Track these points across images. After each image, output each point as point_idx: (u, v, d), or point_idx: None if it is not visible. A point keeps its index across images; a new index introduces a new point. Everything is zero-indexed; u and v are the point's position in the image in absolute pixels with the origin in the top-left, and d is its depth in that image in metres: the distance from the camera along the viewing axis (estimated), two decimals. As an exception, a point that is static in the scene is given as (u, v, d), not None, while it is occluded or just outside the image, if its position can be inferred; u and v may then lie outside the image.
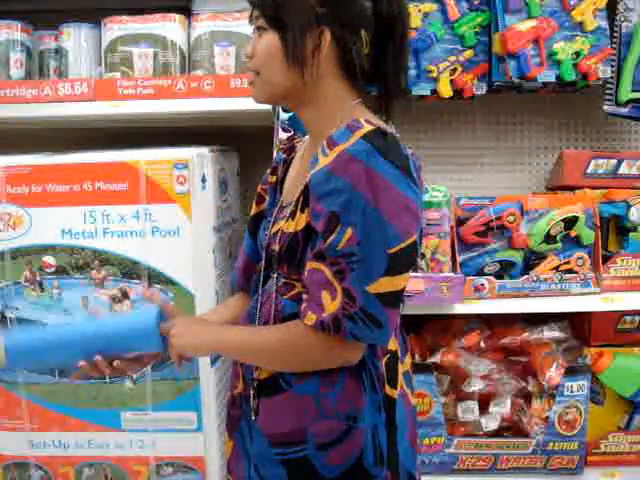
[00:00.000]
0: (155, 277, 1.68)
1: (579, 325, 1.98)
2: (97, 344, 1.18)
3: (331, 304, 1.00)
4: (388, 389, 1.12)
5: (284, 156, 1.30)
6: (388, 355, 1.13)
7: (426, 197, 1.82)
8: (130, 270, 1.68)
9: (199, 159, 1.68)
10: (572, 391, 1.86)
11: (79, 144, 1.99)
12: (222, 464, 1.79)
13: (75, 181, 1.66)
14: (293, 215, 1.09)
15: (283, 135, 1.79)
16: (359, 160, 0.99)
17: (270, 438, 1.12)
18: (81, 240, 1.68)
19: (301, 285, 1.08)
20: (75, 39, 1.92)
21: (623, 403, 1.95)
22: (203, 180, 1.69)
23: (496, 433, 1.89)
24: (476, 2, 1.96)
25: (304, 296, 1.05)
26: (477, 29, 1.96)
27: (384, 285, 0.99)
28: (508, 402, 1.90)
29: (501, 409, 1.90)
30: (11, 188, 1.68)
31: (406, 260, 1.01)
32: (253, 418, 1.15)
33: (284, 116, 1.80)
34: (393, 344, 1.14)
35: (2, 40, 1.93)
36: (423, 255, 1.81)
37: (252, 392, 1.15)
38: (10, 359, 1.17)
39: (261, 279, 1.20)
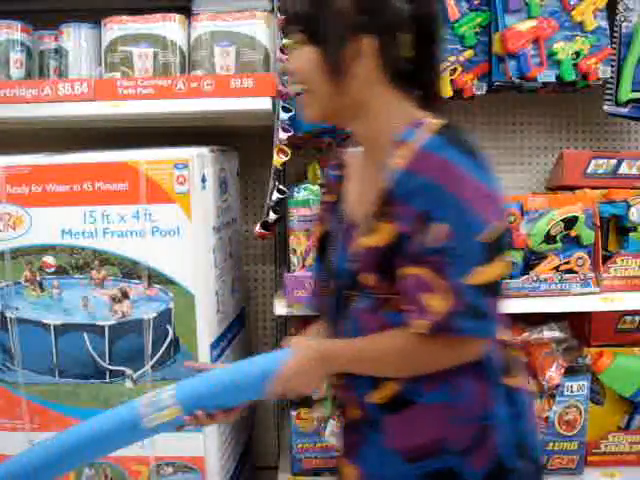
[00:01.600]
0: (155, 277, 1.68)
1: (579, 325, 1.98)
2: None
3: (438, 305, 0.98)
4: (508, 380, 1.09)
5: (337, 173, 1.25)
6: (501, 346, 1.11)
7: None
8: (130, 270, 1.68)
9: (199, 159, 1.68)
10: (572, 391, 1.86)
11: (79, 144, 1.99)
12: (222, 464, 1.79)
13: (75, 181, 1.66)
14: (374, 228, 1.06)
15: (283, 135, 1.79)
16: (434, 155, 0.98)
17: (404, 454, 1.08)
18: (81, 240, 1.68)
19: (396, 297, 1.04)
20: (75, 39, 1.92)
21: (623, 403, 1.95)
22: (203, 180, 1.69)
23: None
24: (476, 2, 1.96)
25: (404, 306, 1.02)
26: (477, 29, 1.96)
27: (481, 275, 0.97)
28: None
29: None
30: (11, 188, 1.68)
31: (498, 247, 0.98)
32: (381, 438, 1.10)
33: (284, 116, 1.80)
34: (504, 333, 1.11)
35: (2, 40, 1.93)
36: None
37: (372, 414, 1.11)
38: (187, 408, 1.16)
39: (339, 302, 1.15)
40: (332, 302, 1.18)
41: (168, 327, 1.69)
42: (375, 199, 1.06)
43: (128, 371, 1.71)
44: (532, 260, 1.89)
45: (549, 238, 1.87)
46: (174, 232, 1.66)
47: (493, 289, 0.99)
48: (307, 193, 1.82)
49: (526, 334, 1.90)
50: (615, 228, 1.95)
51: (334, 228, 1.22)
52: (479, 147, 1.02)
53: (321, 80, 1.07)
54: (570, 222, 1.86)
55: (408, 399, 1.07)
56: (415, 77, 1.11)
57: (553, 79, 1.92)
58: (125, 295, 1.69)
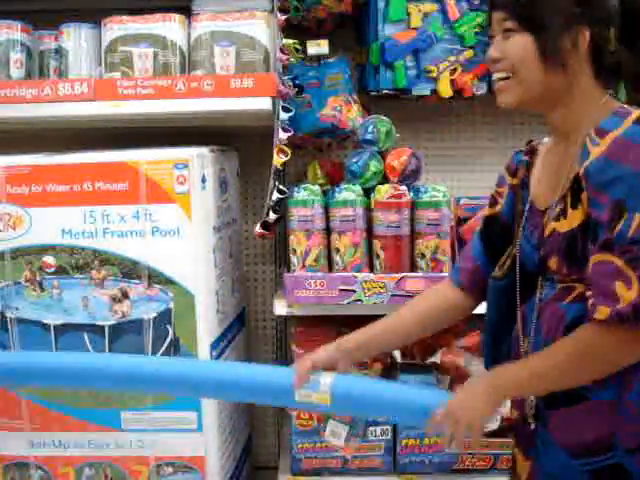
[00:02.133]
0: (155, 277, 1.68)
1: (579, 325, 1.97)
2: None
3: (627, 294, 0.96)
4: None
5: (525, 158, 1.26)
6: None
7: (426, 197, 1.82)
8: (130, 270, 1.68)
9: (199, 159, 1.68)
10: (572, 391, 1.86)
11: (79, 144, 1.99)
12: (222, 464, 1.79)
13: (75, 181, 1.66)
14: (564, 213, 1.07)
15: (283, 135, 1.79)
16: (635, 144, 0.98)
17: (571, 449, 1.08)
18: (81, 240, 1.68)
19: (583, 284, 1.05)
20: (75, 39, 1.92)
21: (623, 403, 1.95)
22: (203, 180, 1.69)
23: (496, 433, 1.89)
24: (476, 2, 1.96)
25: (589, 292, 1.02)
26: (477, 29, 1.96)
27: None
28: (508, 402, 1.89)
29: (501, 409, 1.89)
30: (11, 188, 1.68)
31: None
32: (549, 434, 1.12)
33: (284, 116, 1.80)
34: None
35: (2, 40, 1.93)
36: (423, 255, 1.81)
37: (540, 409, 1.13)
38: (335, 402, 1.20)
39: (523, 288, 1.17)
40: (503, 285, 1.20)
41: (168, 327, 1.69)
42: (568, 186, 1.07)
43: (128, 371, 1.71)
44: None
45: (549, 238, 1.87)
46: (174, 232, 1.66)
47: None
48: (307, 193, 1.82)
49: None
50: (615, 228, 1.94)
51: (507, 212, 1.26)
52: None
53: (534, 68, 1.08)
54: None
55: (577, 394, 1.07)
56: (619, 70, 1.12)
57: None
58: (125, 295, 1.69)
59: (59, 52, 1.95)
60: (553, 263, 1.10)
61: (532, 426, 1.15)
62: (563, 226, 1.07)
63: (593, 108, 1.09)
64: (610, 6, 1.08)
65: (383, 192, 1.81)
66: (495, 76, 1.12)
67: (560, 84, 1.09)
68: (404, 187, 1.82)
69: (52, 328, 1.71)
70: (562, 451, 1.09)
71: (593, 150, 1.02)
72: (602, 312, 0.99)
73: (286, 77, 1.85)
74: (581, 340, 1.03)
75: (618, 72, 1.12)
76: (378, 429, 1.82)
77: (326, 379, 1.21)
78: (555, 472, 1.11)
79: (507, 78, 1.11)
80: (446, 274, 1.79)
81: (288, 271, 1.85)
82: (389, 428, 1.82)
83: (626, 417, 1.05)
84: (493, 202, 1.32)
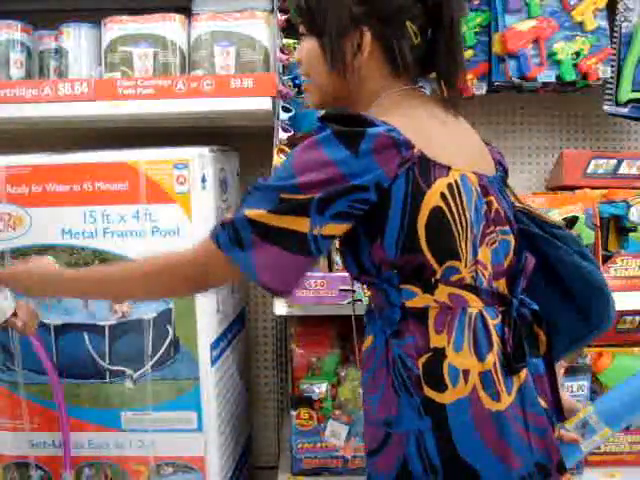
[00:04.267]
0: (155, 277, 1.67)
1: (579, 325, 1.98)
2: None
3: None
4: (429, 392, 1.01)
5: None
6: (429, 354, 1.02)
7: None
8: (130, 270, 1.68)
9: (199, 159, 1.67)
10: (572, 391, 1.86)
11: (79, 144, 1.99)
12: (222, 464, 1.79)
13: (75, 181, 1.66)
14: None
15: (283, 135, 1.79)
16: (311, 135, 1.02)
17: (365, 447, 1.14)
18: (81, 240, 1.68)
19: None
20: (75, 39, 1.92)
21: (623, 403, 1.95)
22: (203, 180, 1.69)
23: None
24: (476, 2, 1.96)
25: None
26: (477, 29, 1.96)
27: (262, 216, 0.99)
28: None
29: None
30: (11, 188, 1.68)
31: (295, 208, 0.98)
32: None
33: (284, 116, 1.80)
34: (441, 340, 1.02)
35: (2, 40, 1.93)
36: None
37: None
38: (613, 426, 1.22)
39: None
40: None
41: (168, 327, 1.69)
42: None
43: (128, 371, 1.71)
44: (532, 260, 1.89)
45: (549, 238, 1.87)
46: (174, 232, 1.66)
47: (267, 233, 0.99)
48: (307, 193, 1.82)
49: (526, 334, 1.90)
50: (615, 228, 1.95)
51: None
52: (364, 132, 0.99)
53: (322, 72, 1.09)
54: (570, 222, 1.86)
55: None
56: (427, 67, 1.11)
57: (553, 79, 1.92)
58: (125, 295, 1.69)
59: (59, 52, 1.95)
60: None
61: None
62: None
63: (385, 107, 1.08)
64: (400, 0, 1.04)
65: (383, 192, 1.80)
66: (303, 78, 1.17)
67: (352, 86, 1.09)
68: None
69: (52, 328, 1.71)
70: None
71: None
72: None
73: (286, 77, 1.85)
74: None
75: (429, 66, 1.11)
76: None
77: (590, 417, 1.21)
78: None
79: (307, 80, 1.14)
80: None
81: (288, 271, 1.85)
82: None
83: (368, 420, 1.10)
84: None
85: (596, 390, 1.93)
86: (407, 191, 0.99)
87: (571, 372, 1.86)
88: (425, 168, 1.00)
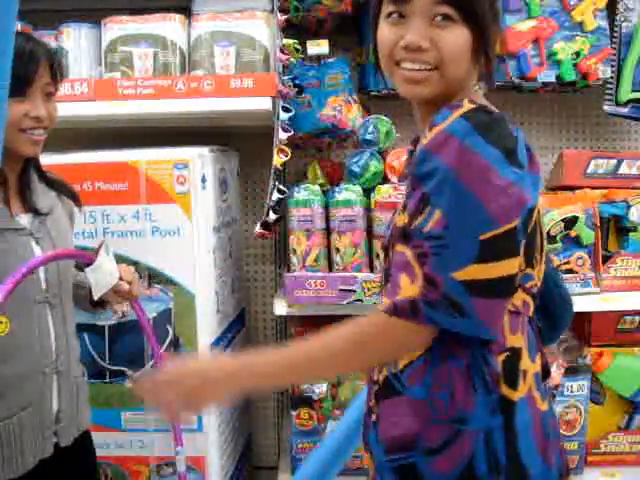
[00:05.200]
0: (155, 277, 1.68)
1: (579, 325, 1.98)
2: None
3: (409, 288, 0.95)
4: (505, 390, 1.00)
5: (410, 148, 1.21)
6: (507, 353, 1.01)
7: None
8: (130, 270, 1.68)
9: (199, 159, 1.68)
10: (572, 391, 1.86)
11: (79, 144, 1.99)
12: (222, 464, 1.79)
13: (75, 181, 1.66)
14: (404, 207, 1.02)
15: (283, 135, 1.79)
16: (455, 139, 0.92)
17: (385, 444, 1.06)
18: (81, 240, 1.68)
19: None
20: (75, 39, 1.92)
21: (623, 403, 1.95)
22: (203, 180, 1.69)
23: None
24: (476, 2, 1.96)
25: (388, 285, 1.00)
26: (477, 29, 1.96)
27: (473, 272, 0.91)
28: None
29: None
30: (11, 188, 1.68)
31: (502, 247, 0.93)
32: (375, 424, 1.08)
33: (284, 116, 1.80)
34: (516, 340, 1.02)
35: (2, 40, 1.93)
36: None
37: (373, 396, 1.10)
38: None
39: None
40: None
41: (168, 327, 1.69)
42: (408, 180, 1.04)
43: (128, 371, 1.71)
44: (532, 260, 1.89)
45: (549, 238, 1.86)
46: (174, 232, 1.66)
47: (487, 289, 0.93)
48: (307, 193, 1.82)
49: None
50: (615, 228, 1.95)
51: None
52: (517, 138, 0.96)
53: (463, 66, 1.02)
54: (570, 222, 1.86)
55: (395, 387, 1.05)
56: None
57: (553, 79, 1.93)
58: (125, 295, 1.69)
59: (59, 52, 1.95)
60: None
61: (373, 417, 1.10)
62: (400, 221, 1.03)
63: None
64: None
65: (383, 192, 1.81)
66: (410, 65, 1.00)
67: (468, 80, 1.06)
68: (404, 187, 1.82)
69: (52, 328, 1.71)
70: (380, 445, 1.07)
71: (422, 143, 0.99)
72: (385, 302, 0.97)
73: (286, 77, 1.84)
74: (358, 326, 0.98)
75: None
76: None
77: None
78: (378, 467, 1.08)
79: (427, 69, 1.00)
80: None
81: (288, 271, 1.85)
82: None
83: (434, 418, 1.02)
84: None
85: (596, 390, 1.94)
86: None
87: (571, 372, 1.86)
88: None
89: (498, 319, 0.98)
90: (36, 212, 1.33)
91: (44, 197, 1.39)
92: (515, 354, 1.03)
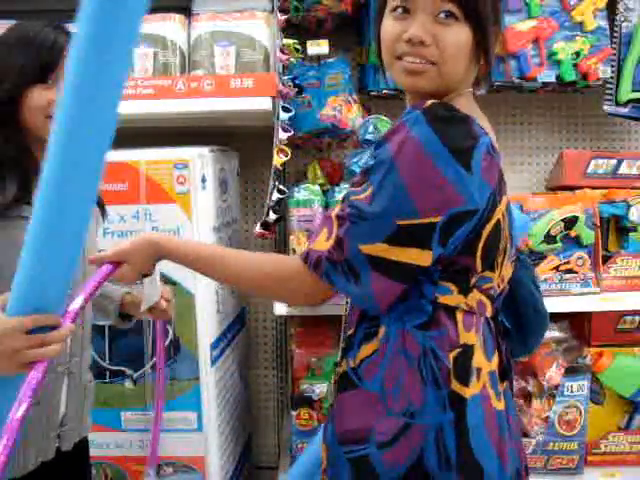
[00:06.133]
0: (155, 277, 1.67)
1: (579, 325, 1.98)
2: None
3: (323, 243, 1.01)
4: (456, 385, 1.02)
5: None
6: (459, 349, 1.03)
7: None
8: (130, 270, 1.67)
9: (199, 159, 1.68)
10: (572, 391, 1.86)
11: (79, 144, 1.98)
12: (222, 464, 1.79)
13: (75, 181, 1.66)
14: None
15: (283, 135, 1.79)
16: (405, 128, 0.96)
17: (340, 435, 1.07)
18: (81, 240, 1.67)
19: None
20: (75, 39, 1.92)
21: (623, 403, 1.95)
22: (203, 180, 1.69)
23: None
24: (476, 2, 1.96)
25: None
26: (477, 29, 1.96)
27: (379, 250, 0.97)
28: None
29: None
30: (11, 188, 1.68)
31: (414, 236, 0.96)
32: (332, 414, 1.11)
33: (284, 116, 1.80)
34: (469, 337, 1.04)
35: (2, 40, 1.93)
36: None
37: (334, 388, 1.13)
38: None
39: None
40: None
41: (168, 327, 1.69)
42: None
43: (128, 371, 1.71)
44: (532, 260, 1.89)
45: (549, 238, 1.87)
46: (174, 232, 1.66)
47: (387, 268, 0.97)
48: (307, 193, 1.82)
49: (526, 334, 1.90)
50: (615, 228, 1.95)
51: None
52: (476, 138, 0.97)
53: (462, 64, 1.03)
54: (570, 222, 1.87)
55: (352, 381, 1.07)
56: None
57: (553, 79, 1.93)
58: (125, 295, 1.68)
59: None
60: None
61: (332, 410, 1.13)
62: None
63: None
64: None
65: (383, 192, 1.80)
66: (411, 59, 1.01)
67: (467, 78, 1.08)
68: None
69: (52, 328, 1.70)
70: (336, 436, 1.08)
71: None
72: (301, 251, 1.04)
73: (286, 77, 1.84)
74: (280, 262, 1.09)
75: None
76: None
77: None
78: (333, 458, 1.09)
79: (427, 63, 1.01)
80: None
81: (288, 271, 1.85)
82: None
83: (387, 411, 1.04)
84: None
85: (596, 390, 1.94)
86: (490, 200, 1.00)
87: (571, 372, 1.86)
88: (501, 181, 1.04)
89: (389, 298, 1.01)
90: None
91: None
92: (468, 351, 1.04)
